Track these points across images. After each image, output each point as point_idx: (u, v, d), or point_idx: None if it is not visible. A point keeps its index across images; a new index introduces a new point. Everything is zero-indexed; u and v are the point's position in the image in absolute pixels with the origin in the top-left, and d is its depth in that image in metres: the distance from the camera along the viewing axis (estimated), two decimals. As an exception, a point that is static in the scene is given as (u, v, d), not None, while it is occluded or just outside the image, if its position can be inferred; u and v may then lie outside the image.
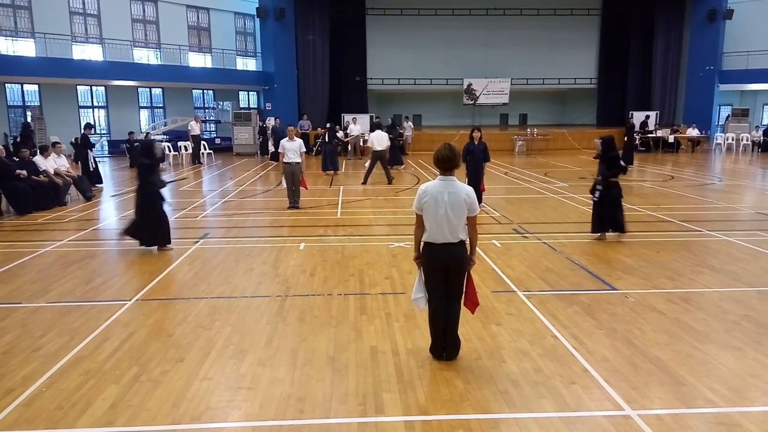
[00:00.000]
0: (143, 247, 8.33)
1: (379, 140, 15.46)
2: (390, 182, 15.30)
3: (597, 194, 8.65)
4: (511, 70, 32.00)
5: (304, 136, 12.42)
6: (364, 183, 15.26)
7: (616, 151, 8.66)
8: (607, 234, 8.77)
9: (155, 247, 8.36)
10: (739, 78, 28.30)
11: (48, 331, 5.32)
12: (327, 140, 18.91)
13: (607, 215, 8.63)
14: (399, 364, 4.59)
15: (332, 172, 17.78)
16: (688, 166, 19.93)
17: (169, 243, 8.43)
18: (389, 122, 24.80)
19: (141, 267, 7.49)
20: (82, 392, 4.16)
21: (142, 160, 8.43)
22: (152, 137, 22.30)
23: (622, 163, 8.58)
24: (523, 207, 11.61)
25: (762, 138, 25.64)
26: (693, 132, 26.50)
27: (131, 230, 8.41)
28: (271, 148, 21.93)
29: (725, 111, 29.82)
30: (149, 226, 8.29)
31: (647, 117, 26.67)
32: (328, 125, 20.59)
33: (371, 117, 26.85)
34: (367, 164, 16.13)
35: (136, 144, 21.02)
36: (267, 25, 28.25)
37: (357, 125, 24.28)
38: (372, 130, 17.62)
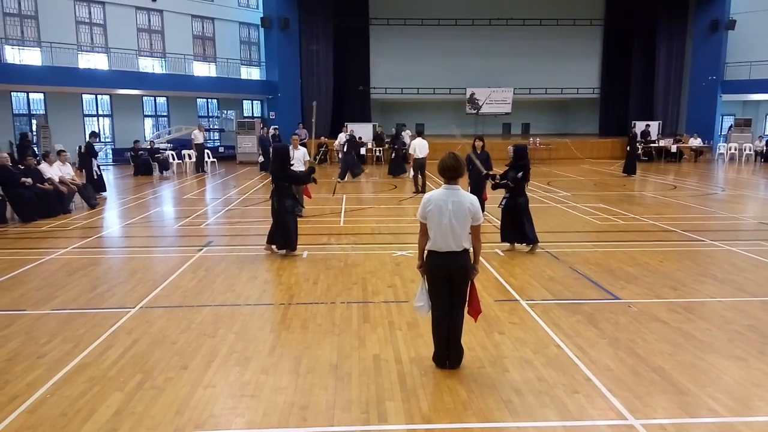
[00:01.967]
0: (284, 252, 8.45)
1: (421, 148, 15.32)
2: (418, 192, 15.15)
3: (503, 202, 8.61)
4: (514, 80, 32.12)
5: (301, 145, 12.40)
6: (421, 191, 15.12)
7: (526, 160, 8.65)
8: (516, 245, 8.70)
9: (285, 251, 8.45)
10: (742, 88, 28.36)
11: (52, 338, 5.34)
12: (346, 150, 19.02)
13: (514, 226, 8.53)
14: (402, 372, 4.59)
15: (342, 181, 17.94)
16: (691, 176, 19.94)
17: (292, 250, 8.46)
18: (392, 132, 24.86)
19: (145, 275, 7.52)
20: (86, 399, 4.17)
21: (281, 163, 8.43)
22: (156, 145, 22.50)
23: (518, 175, 8.47)
24: (525, 216, 11.61)
25: (765, 148, 25.64)
26: (695, 142, 26.53)
27: (270, 239, 8.49)
28: (260, 158, 21.96)
29: (728, 121, 29.87)
30: (278, 230, 8.37)
31: (647, 126, 26.72)
32: (348, 135, 20.66)
33: (374, 126, 26.97)
34: (410, 175, 16.14)
35: (140, 152, 21.16)
36: (271, 35, 28.47)
37: (344, 135, 24.29)
38: (394, 137, 17.55)
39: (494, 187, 8.95)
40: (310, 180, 8.85)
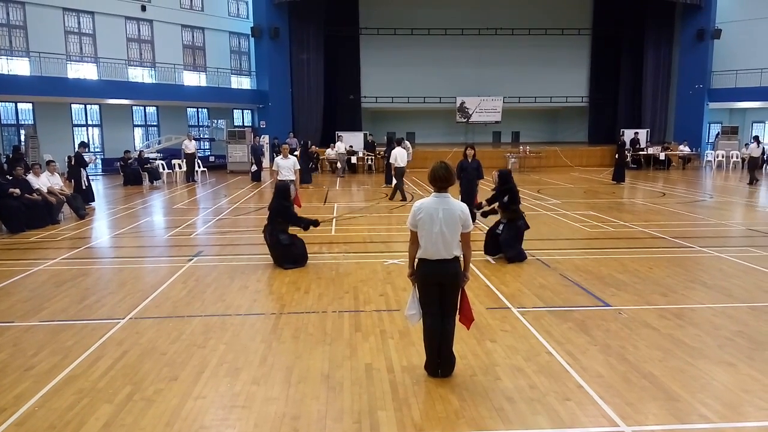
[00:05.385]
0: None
1: (402, 157, 15.47)
2: (391, 198, 15.43)
3: (500, 227, 8.62)
4: (504, 89, 32.36)
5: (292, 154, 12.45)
6: (403, 199, 15.32)
7: (511, 184, 8.66)
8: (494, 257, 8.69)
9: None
10: (728, 96, 28.75)
11: (41, 349, 5.28)
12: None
13: (507, 244, 8.49)
14: (394, 381, 4.58)
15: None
16: (679, 183, 20.12)
17: (302, 266, 8.35)
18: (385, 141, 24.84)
19: (134, 285, 7.46)
20: (75, 411, 4.13)
21: (283, 202, 8.41)
22: (146, 155, 22.40)
23: (505, 199, 8.55)
24: (516, 224, 11.64)
25: (761, 155, 25.88)
26: (684, 149, 26.80)
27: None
28: (253, 168, 21.95)
29: (715, 129, 30.21)
30: (278, 257, 8.33)
31: (636, 134, 26.98)
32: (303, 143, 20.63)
33: (365, 135, 27.01)
34: (393, 183, 16.29)
35: (130, 162, 21.05)
36: (261, 45, 28.52)
37: (341, 143, 24.41)
38: (386, 146, 17.70)
39: (484, 214, 9.04)
40: (311, 225, 8.69)
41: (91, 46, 24.43)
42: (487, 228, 9.26)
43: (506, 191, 8.61)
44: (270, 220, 8.43)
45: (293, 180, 11.49)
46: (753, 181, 19.49)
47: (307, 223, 8.66)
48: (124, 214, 13.70)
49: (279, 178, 11.47)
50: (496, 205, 8.79)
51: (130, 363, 4.97)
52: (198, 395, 4.37)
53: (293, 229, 8.65)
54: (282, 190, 8.57)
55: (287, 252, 8.32)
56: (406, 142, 25.09)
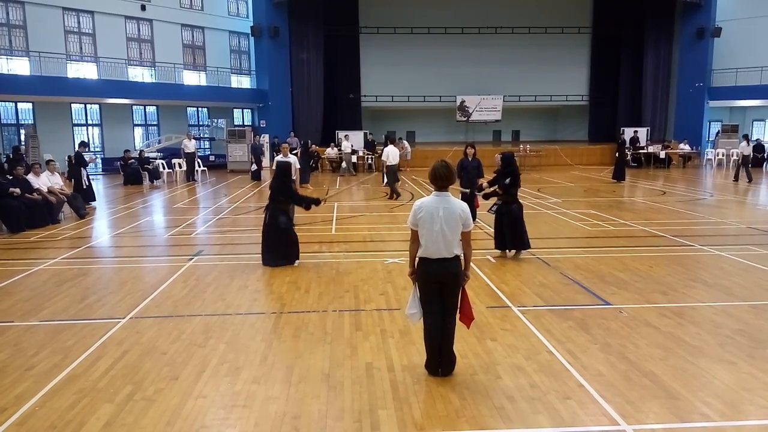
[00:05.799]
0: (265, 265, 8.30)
1: (393, 155, 15.66)
2: (391, 198, 15.50)
3: (494, 208, 8.71)
4: (504, 88, 32.34)
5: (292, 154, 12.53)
6: (397, 196, 15.52)
7: (514, 167, 8.72)
8: (508, 252, 8.75)
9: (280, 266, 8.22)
10: (728, 94, 28.74)
11: (41, 349, 5.28)
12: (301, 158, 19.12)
13: (509, 233, 8.58)
14: (394, 380, 4.58)
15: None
16: (680, 182, 20.11)
17: (291, 263, 8.31)
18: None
19: (135, 284, 7.46)
20: (75, 411, 4.13)
21: (285, 180, 8.44)
22: (146, 155, 22.39)
23: (507, 182, 8.60)
24: (516, 223, 11.64)
25: (751, 153, 25.87)
26: (684, 148, 26.79)
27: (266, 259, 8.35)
28: (253, 167, 21.93)
29: (715, 127, 30.19)
30: (269, 246, 8.29)
31: (636, 132, 26.97)
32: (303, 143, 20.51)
33: (365, 134, 27.01)
34: (384, 182, 16.32)
35: (130, 162, 21.05)
36: (261, 44, 28.51)
37: (348, 142, 24.42)
38: (385, 145, 17.76)
39: (485, 197, 9.12)
40: (313, 203, 8.71)
41: (91, 45, 24.41)
42: (490, 227, 9.27)
43: (508, 173, 8.63)
44: (272, 199, 8.42)
45: (294, 179, 11.48)
46: (750, 178, 19.53)
47: (308, 202, 8.65)
48: (125, 214, 13.70)
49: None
50: (496, 187, 8.81)
51: (130, 362, 4.97)
52: (198, 394, 4.37)
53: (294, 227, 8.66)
54: (283, 168, 8.58)
55: (281, 238, 8.28)
56: (404, 142, 25.15)
